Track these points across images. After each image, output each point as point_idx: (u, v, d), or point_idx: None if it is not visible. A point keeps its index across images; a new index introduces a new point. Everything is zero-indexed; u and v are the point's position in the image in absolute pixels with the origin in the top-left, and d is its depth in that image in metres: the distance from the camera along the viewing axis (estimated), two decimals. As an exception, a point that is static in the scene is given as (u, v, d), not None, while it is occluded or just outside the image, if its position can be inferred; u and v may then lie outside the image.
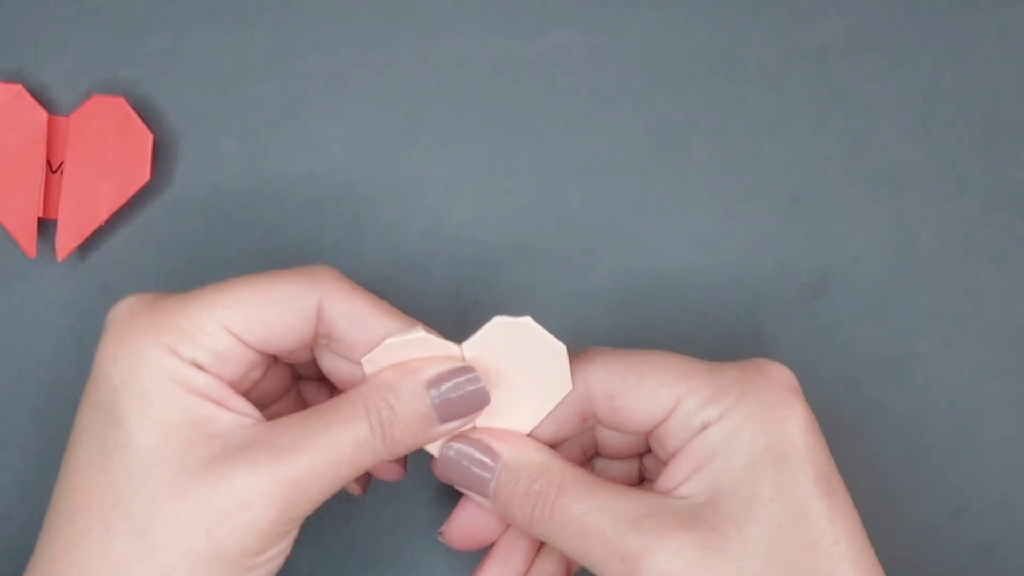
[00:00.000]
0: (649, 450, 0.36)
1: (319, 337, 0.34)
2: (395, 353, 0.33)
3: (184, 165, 0.41)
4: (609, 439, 0.36)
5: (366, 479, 0.38)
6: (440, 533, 0.36)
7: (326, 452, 0.31)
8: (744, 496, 0.31)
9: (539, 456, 0.34)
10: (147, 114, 0.41)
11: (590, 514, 0.32)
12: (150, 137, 0.39)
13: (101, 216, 0.39)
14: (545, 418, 0.34)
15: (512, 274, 0.41)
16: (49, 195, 0.40)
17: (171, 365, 0.31)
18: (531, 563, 0.36)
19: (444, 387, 0.33)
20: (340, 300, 0.33)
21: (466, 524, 0.36)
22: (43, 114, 0.40)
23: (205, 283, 0.40)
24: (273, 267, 0.40)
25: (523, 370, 0.34)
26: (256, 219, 0.41)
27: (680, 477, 0.33)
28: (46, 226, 0.40)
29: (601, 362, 0.34)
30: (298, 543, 0.32)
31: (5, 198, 0.39)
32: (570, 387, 0.34)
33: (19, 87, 0.40)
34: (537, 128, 0.41)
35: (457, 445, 0.34)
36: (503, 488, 0.33)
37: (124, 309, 0.32)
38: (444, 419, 0.33)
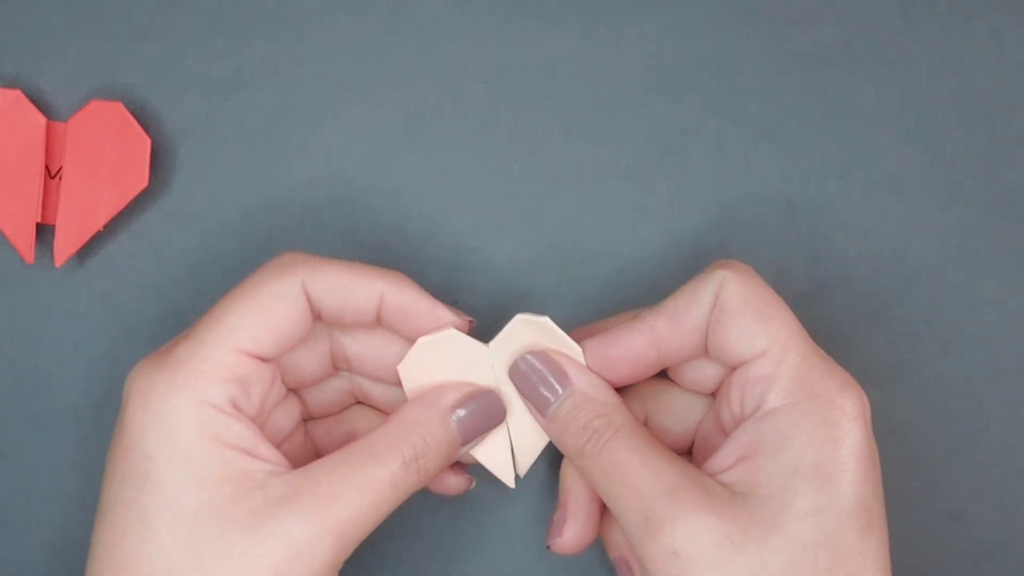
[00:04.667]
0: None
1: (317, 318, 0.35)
2: (428, 353, 0.35)
3: (182, 171, 0.41)
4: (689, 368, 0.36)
5: (467, 474, 0.38)
6: (548, 547, 0.36)
7: (368, 493, 0.32)
8: (778, 505, 0.31)
9: (607, 396, 0.35)
10: (145, 119, 0.41)
11: (634, 467, 0.33)
12: (148, 142, 0.39)
13: (99, 222, 0.39)
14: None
15: (510, 281, 0.41)
16: (47, 201, 0.40)
17: (201, 419, 0.31)
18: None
19: (465, 412, 0.35)
20: (317, 278, 0.34)
21: (576, 535, 0.36)
22: (41, 119, 0.40)
23: (203, 289, 0.40)
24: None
25: None
26: (254, 225, 0.41)
27: (726, 463, 0.33)
28: (44, 232, 0.40)
29: (739, 281, 0.34)
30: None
31: (3, 204, 0.39)
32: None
33: (17, 92, 0.40)
34: (535, 135, 0.41)
35: (532, 360, 0.35)
36: (564, 414, 0.34)
37: (139, 375, 0.32)
38: (466, 440, 0.35)
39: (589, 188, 0.41)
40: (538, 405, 0.35)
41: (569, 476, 0.37)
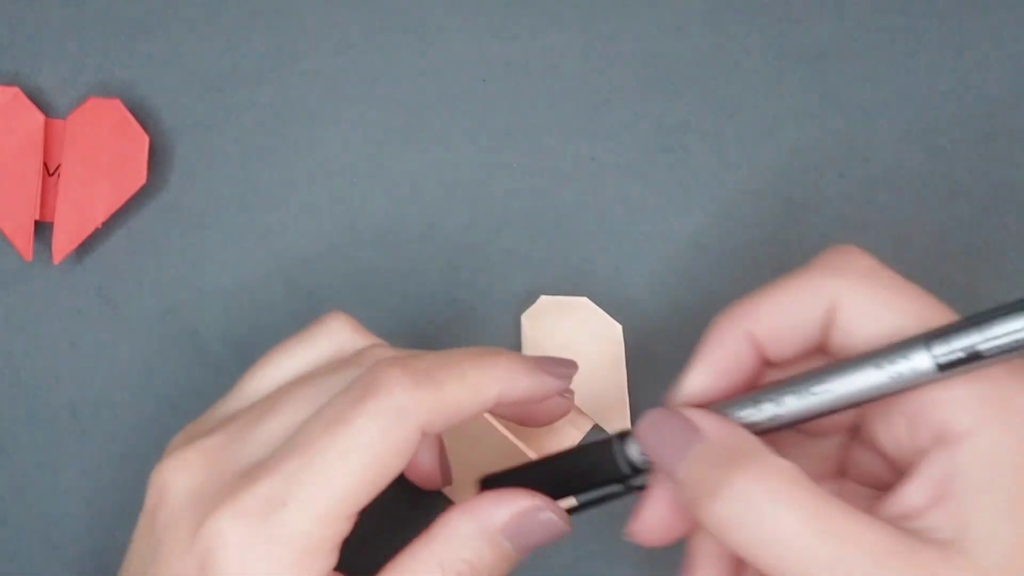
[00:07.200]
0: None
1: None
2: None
3: (180, 168, 0.41)
4: None
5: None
6: (628, 533, 0.31)
7: None
8: (1003, 547, 0.25)
9: (747, 443, 0.28)
10: (144, 116, 0.41)
11: (814, 540, 0.26)
12: (146, 139, 0.39)
13: (98, 219, 0.39)
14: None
15: (509, 278, 0.41)
16: (46, 198, 0.40)
17: None
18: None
19: (518, 528, 0.31)
20: (438, 419, 0.30)
21: (654, 520, 0.30)
22: (40, 117, 0.40)
23: (201, 286, 0.40)
24: (269, 271, 0.40)
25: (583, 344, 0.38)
26: (252, 222, 0.41)
27: (919, 502, 0.27)
28: (43, 229, 0.40)
29: (855, 273, 0.29)
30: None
31: (2, 201, 0.39)
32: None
33: (16, 90, 0.40)
34: (534, 131, 0.41)
35: (655, 418, 0.30)
36: (692, 473, 0.28)
37: (232, 530, 0.29)
38: (522, 551, 0.31)
39: (588, 185, 0.41)
40: (669, 468, 0.29)
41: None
